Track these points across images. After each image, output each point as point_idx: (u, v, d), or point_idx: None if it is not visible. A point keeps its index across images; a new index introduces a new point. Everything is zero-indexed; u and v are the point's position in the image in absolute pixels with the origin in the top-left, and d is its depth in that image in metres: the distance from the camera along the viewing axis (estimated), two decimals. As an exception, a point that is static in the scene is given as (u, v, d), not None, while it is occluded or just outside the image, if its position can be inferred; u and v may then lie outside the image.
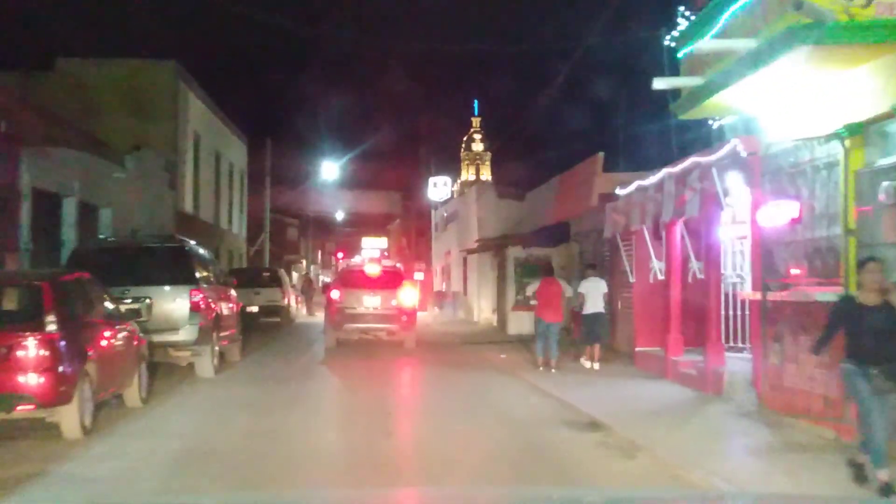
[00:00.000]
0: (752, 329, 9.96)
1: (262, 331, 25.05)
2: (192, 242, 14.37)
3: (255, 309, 26.31)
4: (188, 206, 28.60)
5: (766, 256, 9.31)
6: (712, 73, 9.03)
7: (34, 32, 40.51)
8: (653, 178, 12.72)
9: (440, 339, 23.61)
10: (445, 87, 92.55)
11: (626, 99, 32.56)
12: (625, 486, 6.86)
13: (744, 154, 9.72)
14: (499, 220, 27.82)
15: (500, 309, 26.95)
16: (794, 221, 8.31)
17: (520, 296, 23.13)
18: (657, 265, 13.90)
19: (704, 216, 11.15)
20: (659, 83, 9.83)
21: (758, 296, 9.12)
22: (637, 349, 14.89)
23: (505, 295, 25.23)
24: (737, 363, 11.69)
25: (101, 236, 17.67)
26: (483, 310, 28.10)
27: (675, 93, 10.79)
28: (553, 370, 14.27)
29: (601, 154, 17.19)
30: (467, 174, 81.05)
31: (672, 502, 3.98)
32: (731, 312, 12.08)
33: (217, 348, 13.34)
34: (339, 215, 74.28)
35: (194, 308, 12.37)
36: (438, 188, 40.56)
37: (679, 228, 12.82)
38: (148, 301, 12.38)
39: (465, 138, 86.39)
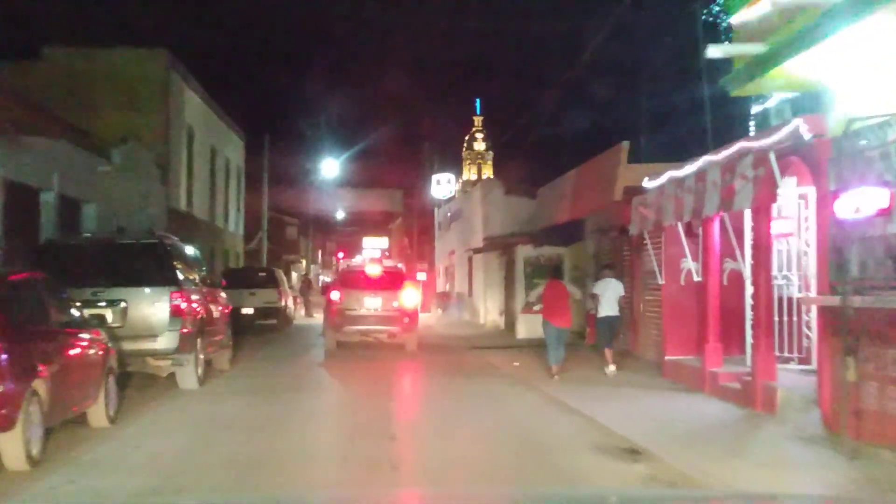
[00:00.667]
0: (819, 340, 8.55)
1: (258, 334, 23.68)
2: (174, 239, 12.97)
3: (250, 311, 24.95)
4: (181, 203, 27.23)
5: (835, 255, 7.90)
6: (778, 38, 7.65)
7: (20, 20, 39.09)
8: (690, 168, 11.32)
9: (445, 342, 22.23)
10: (447, 84, 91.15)
11: (647, 83, 30.72)
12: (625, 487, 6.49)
13: (808, 136, 8.32)
14: (506, 218, 26.43)
15: (508, 311, 25.57)
16: (883, 212, 6.91)
17: (530, 297, 21.81)
18: (692, 265, 12.51)
19: (756, 209, 9.76)
20: (714, 51, 8.43)
21: (832, 301, 7.70)
22: (667, 358, 13.48)
23: (514, 296, 23.85)
24: (787, 377, 10.31)
25: (86, 234, 16.37)
26: (490, 312, 26.73)
27: (712, 73, 9.47)
28: (556, 376, 13.41)
29: (626, 143, 15.64)
30: (469, 174, 79.90)
31: (672, 502, 3.91)
32: (775, 318, 10.72)
33: (202, 357, 11.95)
34: (340, 214, 73.13)
35: (175, 312, 10.99)
36: (442, 186, 39.18)
37: (719, 224, 11.44)
38: (123, 304, 10.99)
39: (466, 138, 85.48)
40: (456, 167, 69.39)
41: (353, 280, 18.14)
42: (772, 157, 8.62)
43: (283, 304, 25.47)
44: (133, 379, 11.83)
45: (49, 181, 16.86)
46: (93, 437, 8.60)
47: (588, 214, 18.94)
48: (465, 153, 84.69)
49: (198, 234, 29.44)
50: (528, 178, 28.82)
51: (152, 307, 11.07)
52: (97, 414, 8.86)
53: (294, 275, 58.00)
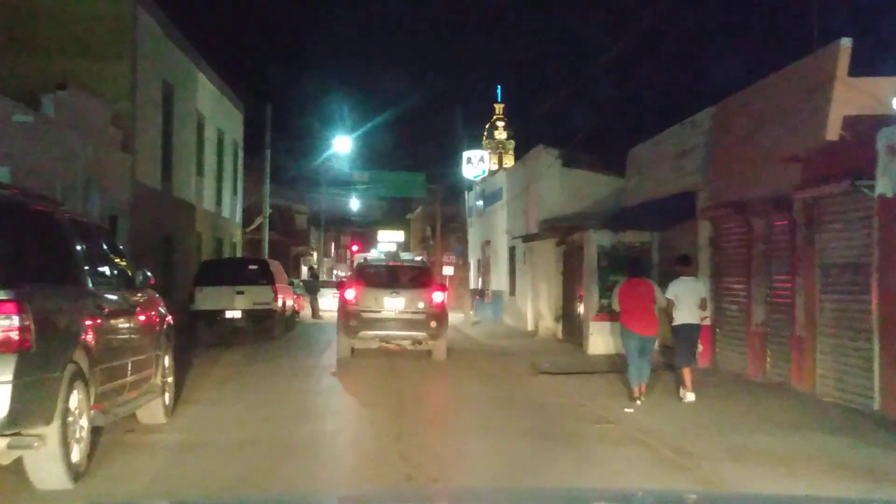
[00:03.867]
0: None
1: (245, 345, 18.10)
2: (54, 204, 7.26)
3: (236, 314, 19.37)
4: (151, 178, 21.62)
5: None
6: None
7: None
8: None
9: (491, 359, 16.58)
10: (469, 63, 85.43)
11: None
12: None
13: None
14: (565, 197, 20.67)
15: (568, 316, 19.88)
16: None
17: (604, 299, 16.17)
18: None
19: None
20: None
21: None
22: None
23: (576, 297, 18.20)
24: None
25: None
26: (543, 316, 21.00)
27: None
28: (638, 400, 10.46)
29: (846, 41, 9.44)
30: (489, 164, 74.83)
31: (672, 502, 3.64)
32: None
33: (85, 424, 6.29)
34: (355, 204, 67.60)
35: (5, 344, 5.34)
36: (474, 164, 33.39)
37: None
38: None
39: (487, 126, 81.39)
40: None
41: (371, 277, 15.78)
42: None
43: (279, 304, 19.82)
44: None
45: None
46: None
47: (729, 178, 12.74)
48: (485, 142, 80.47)
49: (177, 219, 23.86)
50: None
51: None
52: None
53: (304, 269, 52.52)
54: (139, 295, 7.86)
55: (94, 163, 17.56)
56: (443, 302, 15.50)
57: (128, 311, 7.30)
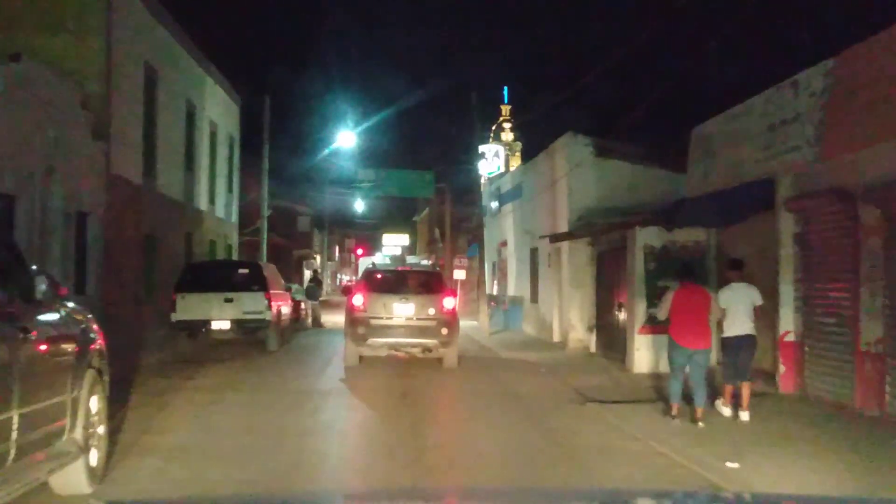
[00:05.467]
0: None
1: (234, 360, 15.63)
2: None
3: (223, 325, 16.89)
4: (131, 171, 19.15)
5: None
6: None
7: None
8: None
9: (517, 377, 14.13)
10: (477, 59, 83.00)
11: None
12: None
13: None
14: (598, 192, 18.16)
15: (605, 327, 17.40)
16: None
17: (652, 308, 13.68)
18: None
19: None
20: None
21: None
22: None
23: (627, 305, 15.70)
24: None
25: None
26: (574, 327, 18.45)
27: None
28: (700, 423, 9.26)
29: None
30: (504, 161, 72.64)
31: (672, 502, 3.57)
32: None
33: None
34: (359, 206, 65.14)
35: None
36: (489, 160, 30.79)
37: None
38: None
39: (493, 127, 79.34)
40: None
41: (379, 282, 15.21)
42: None
43: (273, 313, 17.31)
44: None
45: None
46: None
47: (853, 149, 9.89)
48: (491, 144, 78.16)
49: (162, 217, 21.40)
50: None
51: None
52: None
53: (307, 273, 50.00)
54: (43, 312, 5.34)
55: (58, 149, 15.11)
56: (454, 308, 14.98)
57: (9, 339, 4.76)
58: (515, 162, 72.57)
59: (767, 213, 11.82)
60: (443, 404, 11.79)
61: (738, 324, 9.71)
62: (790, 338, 11.45)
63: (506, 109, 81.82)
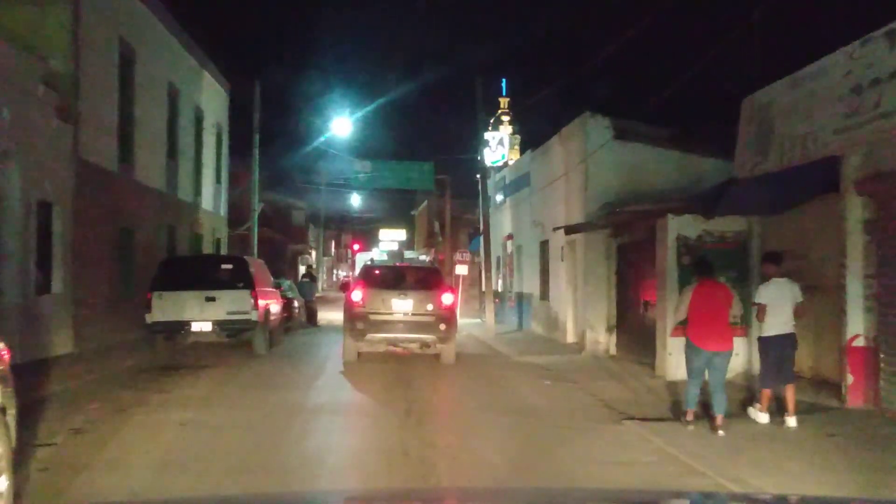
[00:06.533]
0: None
1: (218, 366, 13.96)
2: None
3: (204, 327, 15.19)
4: (104, 156, 17.41)
5: None
6: None
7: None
8: None
9: (531, 386, 12.44)
10: (476, 49, 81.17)
11: None
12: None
13: None
14: (618, 179, 16.45)
15: (625, 328, 15.75)
16: None
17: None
18: None
19: None
20: None
21: None
22: None
23: (656, 304, 14.08)
24: None
25: None
26: (592, 327, 16.75)
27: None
28: (720, 432, 8.50)
29: None
30: (507, 150, 71.04)
31: (672, 502, 3.53)
32: None
33: None
34: (356, 200, 63.44)
35: None
36: (492, 149, 29.09)
37: None
38: None
39: (492, 120, 77.35)
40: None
41: (378, 278, 15.14)
42: None
43: (261, 312, 15.60)
44: None
45: None
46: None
47: None
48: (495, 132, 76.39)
49: (140, 208, 19.67)
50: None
51: None
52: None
53: (301, 269, 48.27)
54: None
55: (15, 130, 13.39)
56: (452, 304, 15.13)
57: None
58: (514, 156, 70.85)
59: (824, 198, 10.14)
60: (454, 428, 10.10)
61: (781, 322, 9.03)
62: (860, 342, 9.79)
63: (504, 102, 79.97)
